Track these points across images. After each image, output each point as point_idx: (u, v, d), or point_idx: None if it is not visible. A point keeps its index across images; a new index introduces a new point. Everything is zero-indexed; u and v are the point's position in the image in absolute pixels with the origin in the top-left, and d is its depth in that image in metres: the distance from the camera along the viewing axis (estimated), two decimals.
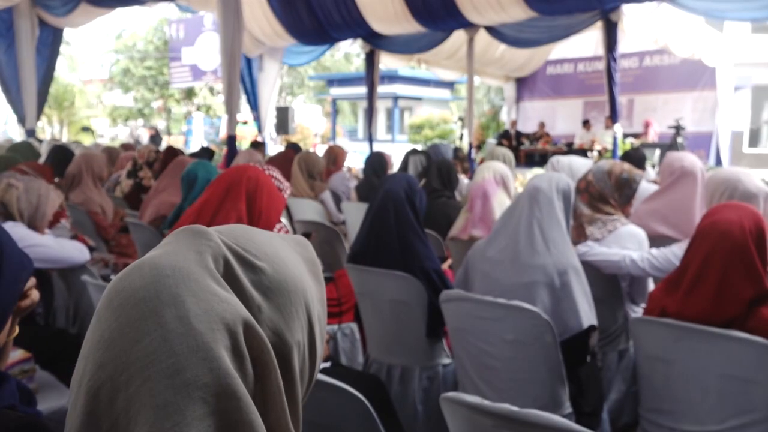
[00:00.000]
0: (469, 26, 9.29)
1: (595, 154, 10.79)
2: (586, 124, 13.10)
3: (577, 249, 2.35)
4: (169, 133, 26.38)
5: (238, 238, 0.58)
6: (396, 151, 6.82)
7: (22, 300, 1.02)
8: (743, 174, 2.34)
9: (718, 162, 12.34)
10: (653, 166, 8.96)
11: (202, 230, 0.57)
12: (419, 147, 8.58)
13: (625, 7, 8.09)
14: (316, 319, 0.61)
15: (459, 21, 8.82)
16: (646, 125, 12.59)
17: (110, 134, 24.19)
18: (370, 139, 11.65)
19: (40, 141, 8.39)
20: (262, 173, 1.85)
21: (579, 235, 2.57)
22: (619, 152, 8.83)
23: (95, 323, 0.51)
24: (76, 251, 2.52)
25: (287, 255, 0.61)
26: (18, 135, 14.30)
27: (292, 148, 6.51)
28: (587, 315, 1.97)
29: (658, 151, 10.51)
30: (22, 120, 9.54)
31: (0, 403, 0.90)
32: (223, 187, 1.78)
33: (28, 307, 1.06)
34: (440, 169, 3.66)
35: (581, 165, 3.38)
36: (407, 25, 9.10)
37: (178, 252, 0.54)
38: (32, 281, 1.05)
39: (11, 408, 0.93)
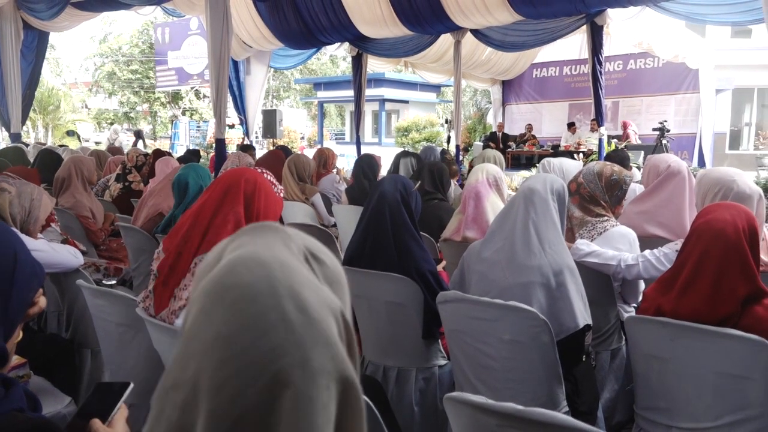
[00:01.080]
0: (456, 29, 9.34)
1: (581, 156, 10.88)
2: (571, 126, 13.21)
3: (572, 249, 2.37)
4: (154, 137, 26.21)
5: (295, 232, 0.60)
6: (383, 154, 6.81)
7: (30, 307, 1.02)
8: (737, 174, 2.37)
9: (701, 163, 12.50)
10: (639, 168, 9.05)
11: (277, 225, 0.58)
12: (410, 149, 8.62)
13: (610, 11, 8.18)
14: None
15: (446, 24, 8.86)
16: (624, 126, 12.71)
17: (95, 138, 23.95)
18: (358, 141, 11.66)
19: (27, 145, 8.31)
20: (260, 176, 1.86)
21: (569, 239, 2.59)
22: (605, 154, 8.91)
23: (203, 321, 0.50)
24: (70, 255, 2.51)
25: None
26: (2, 139, 14.14)
27: (282, 150, 6.49)
28: (582, 314, 1.99)
29: (642, 153, 10.62)
30: (6, 124, 9.44)
31: (9, 405, 0.90)
32: (221, 190, 1.77)
33: (36, 314, 1.05)
34: (432, 171, 3.68)
35: (572, 167, 3.42)
36: (394, 29, 9.13)
37: (272, 246, 0.54)
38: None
39: (20, 411, 0.93)
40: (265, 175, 1.96)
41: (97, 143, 19.94)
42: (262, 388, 0.47)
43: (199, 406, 0.48)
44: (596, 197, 2.64)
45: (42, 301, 1.06)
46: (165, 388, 0.50)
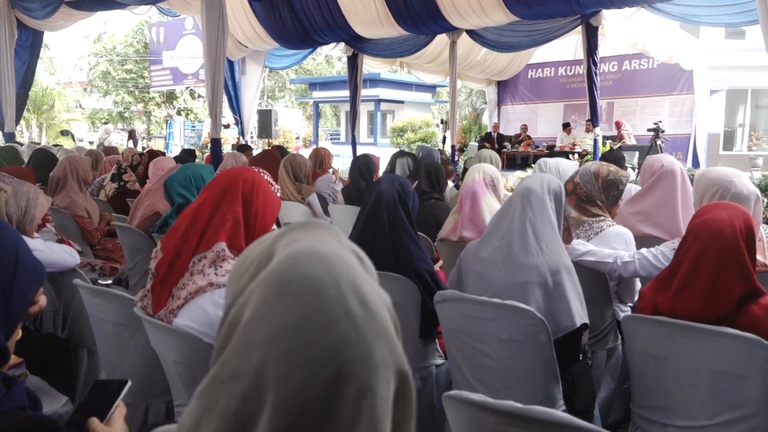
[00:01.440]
0: (452, 30, 9.35)
1: (576, 156, 10.91)
2: (566, 127, 13.25)
3: (568, 249, 2.38)
4: (149, 137, 26.14)
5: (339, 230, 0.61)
6: (378, 154, 6.83)
7: (31, 306, 1.02)
8: (735, 175, 2.38)
9: (696, 164, 12.55)
10: (633, 169, 9.09)
11: (324, 223, 0.59)
12: (406, 149, 8.62)
13: (605, 12, 8.20)
14: None
15: (441, 25, 8.88)
16: (617, 126, 12.74)
17: (90, 138, 23.86)
18: (354, 142, 11.66)
19: (21, 145, 8.28)
20: (258, 175, 1.86)
21: (566, 240, 2.60)
22: (599, 155, 8.94)
23: (267, 312, 0.50)
24: (67, 255, 2.50)
25: None
26: None
27: (278, 150, 6.49)
28: (579, 314, 2.00)
29: (637, 154, 10.66)
30: (0, 124, 9.40)
31: (11, 404, 0.90)
32: (220, 189, 1.77)
33: (36, 313, 1.06)
34: (429, 171, 3.69)
35: (568, 167, 3.43)
36: (390, 29, 9.13)
37: (327, 242, 0.55)
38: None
39: (21, 409, 0.92)
40: (262, 174, 1.96)
41: (91, 143, 19.86)
42: (326, 380, 0.47)
43: (263, 397, 0.48)
44: (593, 197, 2.65)
45: (42, 300, 1.06)
46: (220, 379, 0.50)
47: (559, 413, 1.12)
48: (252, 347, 0.49)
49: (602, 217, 2.63)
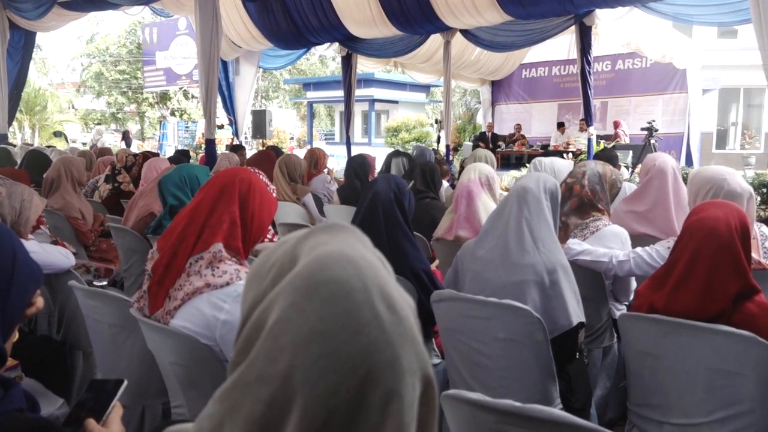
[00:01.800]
0: (446, 30, 9.36)
1: (570, 156, 10.94)
2: (560, 126, 13.28)
3: (564, 249, 2.39)
4: (143, 138, 26.05)
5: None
6: (373, 154, 6.82)
7: (28, 308, 1.02)
8: (729, 173, 2.40)
9: (689, 162, 12.60)
10: (627, 167, 9.12)
11: (348, 225, 0.59)
12: (401, 148, 8.61)
13: (599, 12, 8.23)
14: None
15: (435, 24, 8.88)
16: (615, 125, 12.80)
17: (83, 139, 23.74)
18: (348, 142, 11.65)
19: (14, 146, 8.24)
20: (255, 175, 1.85)
21: (562, 239, 2.61)
22: (594, 154, 8.96)
23: (297, 316, 0.50)
24: (62, 256, 2.49)
25: None
26: None
27: (273, 151, 6.48)
28: (576, 312, 2.00)
29: (631, 153, 10.69)
30: None
31: (9, 406, 0.90)
32: (216, 190, 1.77)
33: (33, 314, 1.05)
34: (424, 171, 3.69)
35: (564, 166, 3.44)
36: (384, 29, 9.13)
37: (353, 244, 0.55)
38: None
39: (19, 411, 0.92)
40: (258, 175, 1.96)
41: (84, 144, 19.77)
42: (354, 385, 0.47)
43: (290, 401, 0.47)
44: (598, 199, 2.66)
45: (39, 302, 1.06)
46: (244, 382, 0.50)
47: (559, 412, 1.13)
48: (280, 351, 0.49)
49: (598, 217, 2.64)
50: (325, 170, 5.68)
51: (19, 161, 6.02)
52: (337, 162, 13.05)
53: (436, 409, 0.53)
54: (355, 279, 0.50)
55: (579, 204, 2.66)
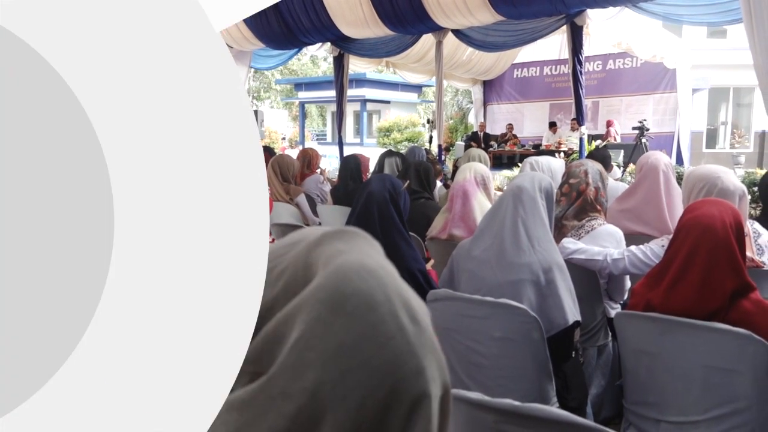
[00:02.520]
0: (437, 30, 9.37)
1: (562, 155, 10.97)
2: (552, 126, 13.32)
3: (558, 247, 2.39)
4: None
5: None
6: (366, 155, 6.81)
7: None
8: (722, 172, 2.41)
9: (680, 162, 12.67)
10: (619, 167, 9.16)
11: (359, 231, 0.59)
12: (393, 148, 8.61)
13: (590, 12, 8.26)
14: None
15: (427, 25, 8.88)
16: (608, 124, 12.86)
17: None
18: (341, 142, 11.64)
19: None
20: None
21: (558, 239, 2.61)
22: (585, 153, 8.99)
23: (323, 330, 0.49)
24: None
25: None
26: None
27: (266, 151, 6.46)
28: (572, 311, 2.01)
29: (622, 152, 10.73)
30: None
31: None
32: None
33: None
34: (418, 171, 3.69)
35: (558, 166, 3.45)
36: (376, 29, 9.13)
37: (370, 253, 0.55)
38: None
39: None
40: None
41: None
42: (382, 398, 0.47)
43: (319, 417, 0.47)
44: (600, 198, 2.66)
45: None
46: (267, 395, 0.49)
47: (557, 410, 1.13)
48: (305, 367, 0.48)
49: (594, 216, 2.64)
50: (318, 170, 5.67)
51: None
52: (329, 162, 13.03)
53: (449, 416, 0.53)
54: (377, 291, 0.50)
55: (583, 204, 2.66)
